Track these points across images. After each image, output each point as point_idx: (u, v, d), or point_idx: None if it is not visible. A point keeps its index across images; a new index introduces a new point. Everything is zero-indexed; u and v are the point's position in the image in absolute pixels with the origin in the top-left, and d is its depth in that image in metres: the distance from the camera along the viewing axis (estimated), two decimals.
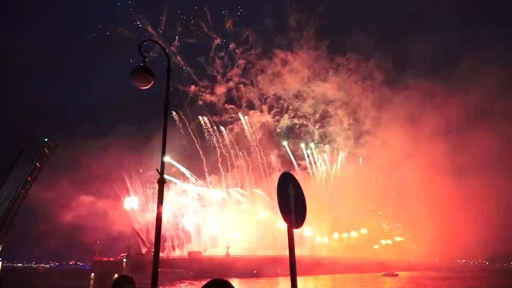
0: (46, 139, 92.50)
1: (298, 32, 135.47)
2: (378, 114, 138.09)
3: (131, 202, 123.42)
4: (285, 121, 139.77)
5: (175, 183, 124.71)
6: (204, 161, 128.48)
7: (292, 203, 5.16)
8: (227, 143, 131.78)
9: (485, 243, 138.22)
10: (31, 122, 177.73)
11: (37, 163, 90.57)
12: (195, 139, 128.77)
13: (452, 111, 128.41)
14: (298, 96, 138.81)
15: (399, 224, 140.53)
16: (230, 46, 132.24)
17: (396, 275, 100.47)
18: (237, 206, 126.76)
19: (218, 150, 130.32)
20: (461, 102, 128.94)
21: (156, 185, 7.68)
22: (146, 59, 8.21)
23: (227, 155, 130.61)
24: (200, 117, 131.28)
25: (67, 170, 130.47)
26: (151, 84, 8.23)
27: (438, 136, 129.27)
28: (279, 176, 5.41)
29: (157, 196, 7.56)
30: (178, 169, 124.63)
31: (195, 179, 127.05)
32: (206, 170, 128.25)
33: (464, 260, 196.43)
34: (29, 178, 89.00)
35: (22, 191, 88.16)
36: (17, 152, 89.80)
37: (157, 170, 7.55)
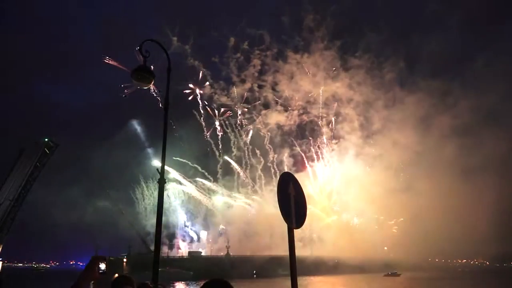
0: (46, 139, 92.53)
1: (311, 33, 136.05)
2: (388, 113, 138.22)
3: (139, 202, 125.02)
4: (296, 120, 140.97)
5: (187, 183, 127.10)
6: (219, 162, 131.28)
7: (292, 203, 5.16)
8: (242, 143, 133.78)
9: (486, 243, 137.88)
10: (31, 122, 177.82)
11: (38, 163, 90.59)
12: (210, 140, 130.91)
13: (462, 111, 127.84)
14: (310, 95, 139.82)
15: (402, 219, 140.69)
16: (245, 47, 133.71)
17: (399, 275, 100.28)
18: (246, 206, 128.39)
19: (234, 151, 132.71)
20: (472, 102, 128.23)
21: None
22: (146, 59, 8.20)
23: (242, 154, 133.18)
24: (215, 118, 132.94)
25: (68, 170, 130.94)
26: (151, 84, 8.22)
27: (447, 135, 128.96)
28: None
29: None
30: (193, 170, 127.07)
31: (210, 179, 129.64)
32: (220, 170, 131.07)
33: (464, 260, 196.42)
34: (29, 178, 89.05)
35: (22, 191, 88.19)
36: (17, 152, 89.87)
37: (157, 170, 7.56)
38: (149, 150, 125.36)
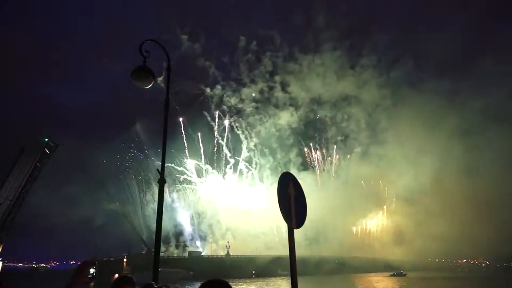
0: (46, 139, 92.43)
1: (320, 33, 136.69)
2: (395, 112, 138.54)
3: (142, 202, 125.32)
4: (304, 119, 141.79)
5: (195, 183, 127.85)
6: (230, 162, 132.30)
7: (292, 203, 5.14)
8: (251, 144, 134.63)
9: (487, 244, 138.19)
10: (31, 122, 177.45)
11: (38, 163, 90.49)
12: (222, 141, 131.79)
13: (470, 110, 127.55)
14: (318, 95, 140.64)
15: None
16: (255, 48, 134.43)
17: (404, 275, 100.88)
18: (252, 205, 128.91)
19: (244, 152, 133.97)
20: (480, 102, 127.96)
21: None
22: (146, 59, 8.18)
23: (251, 154, 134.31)
24: (225, 118, 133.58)
25: (68, 170, 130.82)
26: (151, 84, 8.21)
27: (452, 136, 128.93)
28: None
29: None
30: (202, 170, 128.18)
31: (219, 180, 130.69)
32: (229, 171, 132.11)
33: (464, 260, 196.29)
34: (29, 178, 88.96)
35: (22, 191, 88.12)
36: (17, 152, 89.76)
37: (157, 170, 7.55)
38: (151, 150, 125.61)
